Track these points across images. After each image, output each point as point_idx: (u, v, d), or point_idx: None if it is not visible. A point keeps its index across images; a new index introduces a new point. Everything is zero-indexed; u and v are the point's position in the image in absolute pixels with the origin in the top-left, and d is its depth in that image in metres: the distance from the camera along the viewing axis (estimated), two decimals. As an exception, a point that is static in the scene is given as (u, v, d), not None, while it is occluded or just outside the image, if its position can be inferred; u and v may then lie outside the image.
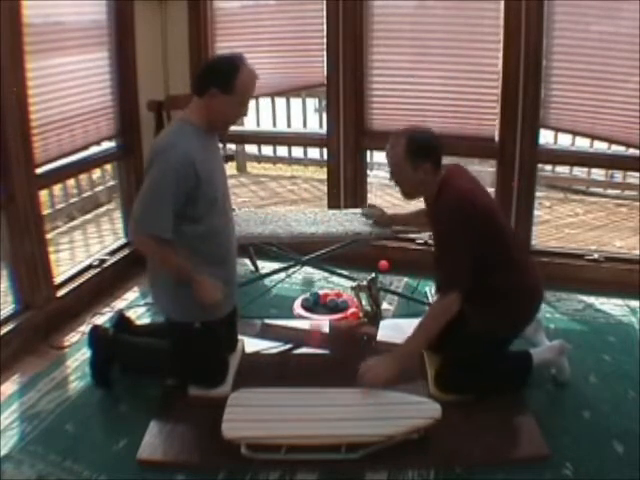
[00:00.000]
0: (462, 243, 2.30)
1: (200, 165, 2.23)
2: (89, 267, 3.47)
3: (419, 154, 2.35)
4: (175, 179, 2.19)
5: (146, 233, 2.27)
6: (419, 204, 2.72)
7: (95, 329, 2.69)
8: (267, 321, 3.13)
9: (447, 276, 2.36)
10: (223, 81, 2.22)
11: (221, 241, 2.42)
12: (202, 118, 2.30)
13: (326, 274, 3.54)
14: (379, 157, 6.01)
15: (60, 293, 3.17)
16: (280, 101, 5.92)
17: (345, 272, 3.35)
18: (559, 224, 4.74)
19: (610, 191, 5.42)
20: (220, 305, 2.41)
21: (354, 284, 3.10)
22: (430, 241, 3.65)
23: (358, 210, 3.25)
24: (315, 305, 3.24)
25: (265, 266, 3.65)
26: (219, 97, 2.23)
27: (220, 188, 2.39)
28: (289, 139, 4.97)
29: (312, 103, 6.21)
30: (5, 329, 2.80)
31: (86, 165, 3.65)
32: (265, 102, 5.84)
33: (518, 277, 2.44)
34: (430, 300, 3.25)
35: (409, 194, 2.53)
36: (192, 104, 2.33)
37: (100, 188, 5.22)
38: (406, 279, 3.59)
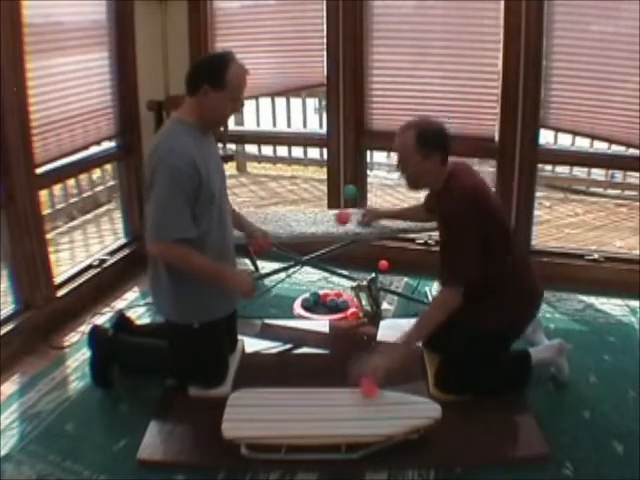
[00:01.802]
0: (470, 237, 2.30)
1: (199, 163, 2.24)
2: (89, 267, 3.47)
3: (428, 145, 2.34)
4: (182, 180, 2.19)
5: (170, 240, 2.24)
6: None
7: (95, 329, 2.69)
8: (267, 321, 3.13)
9: (453, 269, 2.37)
10: (214, 77, 2.23)
11: (218, 240, 2.41)
12: (196, 117, 2.30)
13: (326, 274, 3.54)
14: (379, 157, 6.03)
15: (60, 293, 3.17)
16: (280, 101, 5.92)
17: (345, 272, 3.35)
18: (559, 224, 4.74)
19: (610, 191, 5.41)
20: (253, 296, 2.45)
21: (354, 284, 3.10)
22: (430, 241, 3.66)
23: (358, 210, 3.24)
24: (315, 305, 3.24)
25: (265, 266, 3.65)
26: (211, 94, 2.24)
27: (217, 187, 2.38)
28: (289, 139, 4.97)
29: (312, 103, 6.20)
30: (5, 329, 2.80)
31: (86, 165, 3.65)
32: (265, 102, 5.84)
33: (517, 275, 2.44)
34: (430, 300, 3.26)
35: (415, 184, 2.51)
36: (185, 104, 2.34)
37: (100, 188, 5.22)
38: (406, 279, 3.59)
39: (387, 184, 5.81)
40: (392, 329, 3.00)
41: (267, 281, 3.45)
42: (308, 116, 6.03)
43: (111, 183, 5.07)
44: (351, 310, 3.17)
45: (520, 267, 2.49)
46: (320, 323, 3.10)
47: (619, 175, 5.33)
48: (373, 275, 3.07)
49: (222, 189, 2.48)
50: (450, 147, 2.41)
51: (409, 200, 5.36)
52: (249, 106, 5.34)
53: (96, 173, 5.16)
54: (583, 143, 4.12)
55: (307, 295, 3.29)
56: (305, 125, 6.01)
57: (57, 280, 3.20)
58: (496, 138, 3.44)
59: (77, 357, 2.85)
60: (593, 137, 3.56)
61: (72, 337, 3.03)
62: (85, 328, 3.00)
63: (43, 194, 3.60)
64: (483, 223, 2.32)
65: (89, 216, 4.98)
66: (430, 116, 2.61)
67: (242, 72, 2.30)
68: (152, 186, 2.24)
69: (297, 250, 3.22)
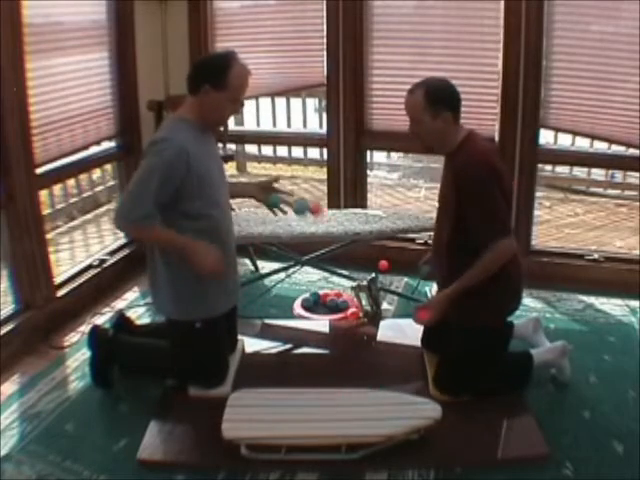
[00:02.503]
0: (495, 194, 2.26)
1: (194, 159, 2.23)
2: (89, 267, 3.47)
3: (438, 102, 2.29)
4: (162, 168, 2.19)
5: (127, 220, 2.26)
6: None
7: (95, 329, 2.69)
8: (267, 321, 3.13)
9: (493, 226, 2.26)
10: (215, 77, 2.23)
11: (220, 238, 2.42)
12: (196, 115, 2.31)
13: (326, 274, 3.54)
14: (379, 157, 6.03)
15: (60, 293, 3.17)
16: (280, 101, 5.92)
17: (345, 272, 3.35)
18: (559, 224, 4.74)
19: (610, 191, 5.41)
20: (222, 270, 2.33)
21: (354, 284, 3.10)
22: (430, 241, 3.65)
23: (358, 210, 3.25)
24: (315, 305, 3.24)
25: (265, 266, 3.65)
26: (212, 94, 2.24)
27: (217, 186, 2.39)
28: (289, 139, 4.97)
29: (312, 103, 6.20)
30: (5, 329, 2.80)
31: (86, 165, 3.65)
32: (265, 102, 5.84)
33: (510, 267, 2.43)
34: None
35: (429, 146, 2.44)
36: (186, 103, 2.34)
37: (100, 188, 5.21)
38: (406, 279, 3.59)
39: (387, 184, 5.81)
40: (392, 329, 3.01)
41: (267, 281, 3.45)
42: (308, 116, 6.04)
43: (111, 183, 5.07)
44: (351, 310, 3.17)
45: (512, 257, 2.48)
46: (320, 323, 3.10)
47: (619, 175, 5.33)
48: (373, 275, 3.07)
49: (223, 189, 2.48)
50: (460, 104, 2.35)
51: (409, 200, 5.38)
52: (249, 106, 5.34)
53: (96, 173, 5.16)
54: (583, 143, 4.11)
55: (307, 295, 3.29)
56: (305, 125, 6.01)
57: (57, 280, 3.20)
58: (496, 138, 3.44)
59: (77, 357, 2.85)
60: (593, 137, 3.56)
61: (72, 337, 3.03)
62: (85, 328, 3.00)
63: (43, 194, 3.60)
64: (499, 185, 2.28)
65: (89, 216, 4.98)
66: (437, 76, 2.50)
67: (244, 73, 2.29)
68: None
69: (297, 250, 3.23)
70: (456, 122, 2.35)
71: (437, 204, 2.58)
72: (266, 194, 2.60)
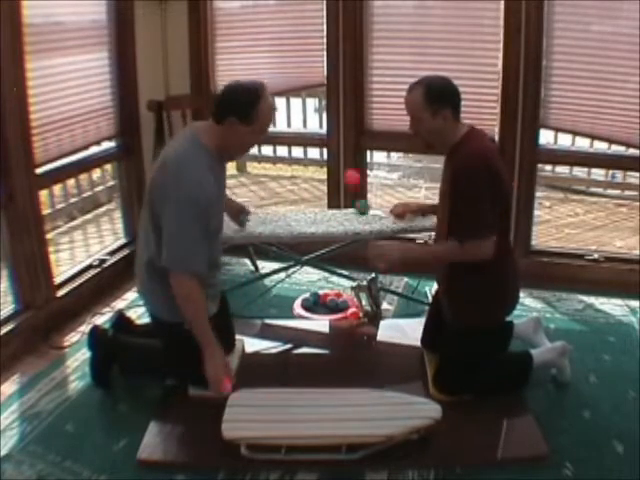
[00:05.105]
0: (486, 193, 2.24)
1: (211, 193, 2.23)
2: (89, 267, 3.47)
3: (438, 100, 2.29)
4: (204, 214, 2.19)
5: (187, 272, 2.22)
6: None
7: (95, 329, 2.69)
8: (267, 321, 3.13)
9: (477, 226, 2.25)
10: (243, 111, 2.19)
11: (211, 257, 2.40)
12: (216, 144, 2.28)
13: (326, 274, 3.54)
14: (379, 157, 6.03)
15: (60, 293, 3.17)
16: (280, 101, 5.91)
17: (345, 272, 3.35)
18: (559, 224, 4.74)
19: (610, 191, 5.41)
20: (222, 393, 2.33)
21: (354, 284, 3.10)
22: (430, 241, 3.65)
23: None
24: (315, 305, 3.24)
25: (265, 266, 3.65)
26: (237, 127, 2.21)
27: (220, 213, 2.42)
28: (289, 139, 4.97)
29: (312, 103, 6.21)
30: (5, 329, 2.80)
31: (86, 165, 3.64)
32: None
33: (511, 256, 2.44)
34: (430, 300, 3.25)
35: (429, 143, 2.44)
36: (208, 127, 2.30)
37: (100, 188, 5.21)
38: (406, 279, 3.59)
39: (387, 184, 5.81)
40: (392, 329, 3.01)
41: (267, 281, 3.45)
42: (308, 116, 6.04)
43: (111, 183, 5.07)
44: (351, 310, 3.17)
45: (510, 257, 2.49)
46: (320, 323, 3.10)
47: (619, 175, 5.33)
48: (373, 275, 3.07)
49: (221, 215, 2.50)
50: (460, 101, 2.35)
51: (409, 200, 5.37)
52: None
53: (96, 173, 5.16)
54: (583, 143, 4.11)
55: (307, 295, 3.29)
56: (305, 125, 6.01)
57: (57, 280, 3.20)
58: (496, 138, 3.43)
59: (77, 357, 2.85)
60: (593, 137, 3.56)
61: (72, 337, 3.03)
62: (85, 328, 3.00)
63: (43, 194, 3.60)
64: (494, 185, 2.26)
65: (89, 216, 4.98)
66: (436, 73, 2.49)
67: (271, 109, 2.27)
68: (166, 209, 2.20)
69: (297, 250, 3.23)
70: (456, 119, 2.35)
71: (438, 201, 2.58)
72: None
